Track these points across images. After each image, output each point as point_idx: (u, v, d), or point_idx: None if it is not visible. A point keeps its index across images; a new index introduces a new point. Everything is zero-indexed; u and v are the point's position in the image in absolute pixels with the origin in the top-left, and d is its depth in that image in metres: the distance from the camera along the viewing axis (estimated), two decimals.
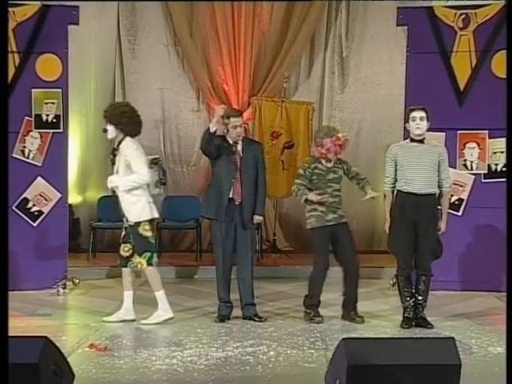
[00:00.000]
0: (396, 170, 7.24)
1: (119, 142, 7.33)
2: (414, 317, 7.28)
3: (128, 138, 7.31)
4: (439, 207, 7.23)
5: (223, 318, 7.44)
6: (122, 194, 7.30)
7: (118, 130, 7.32)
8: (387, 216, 7.34)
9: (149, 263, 7.35)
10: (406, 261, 7.27)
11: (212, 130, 7.28)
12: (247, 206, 7.42)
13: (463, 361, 4.80)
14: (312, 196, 7.38)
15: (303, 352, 6.38)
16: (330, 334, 6.95)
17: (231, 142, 7.42)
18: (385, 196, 7.41)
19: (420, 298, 7.26)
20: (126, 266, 7.39)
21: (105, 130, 7.39)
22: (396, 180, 7.26)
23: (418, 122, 7.12)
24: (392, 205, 7.31)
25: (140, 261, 7.34)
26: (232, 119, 7.39)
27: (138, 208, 7.28)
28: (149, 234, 7.31)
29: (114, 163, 7.36)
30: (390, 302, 8.39)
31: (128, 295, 7.44)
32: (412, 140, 7.20)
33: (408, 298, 7.28)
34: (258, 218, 7.53)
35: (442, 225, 7.21)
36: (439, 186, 7.20)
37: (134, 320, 7.41)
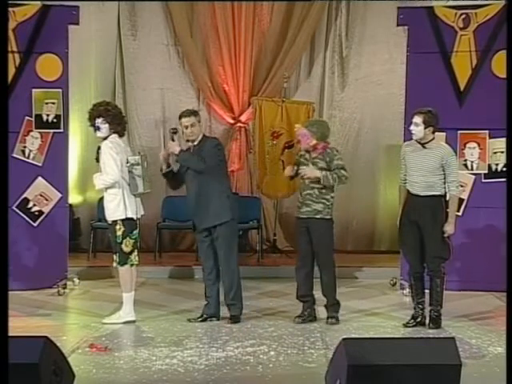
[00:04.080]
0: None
1: (102, 140, 7.37)
2: (429, 317, 7.25)
3: (111, 137, 7.33)
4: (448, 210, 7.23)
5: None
6: (103, 192, 7.41)
7: (111, 130, 7.34)
8: (399, 209, 7.38)
9: (120, 263, 7.37)
10: (414, 262, 7.29)
11: (164, 170, 7.42)
12: (195, 211, 7.38)
13: (463, 361, 4.80)
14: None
15: (303, 352, 6.38)
16: (330, 334, 6.95)
17: (188, 144, 7.42)
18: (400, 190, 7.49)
19: (432, 298, 7.24)
20: (126, 263, 7.38)
21: (98, 128, 7.34)
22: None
23: (412, 128, 7.18)
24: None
25: (115, 259, 7.41)
26: (182, 119, 7.37)
27: (111, 207, 7.32)
28: (118, 233, 7.32)
29: (98, 161, 7.39)
30: (389, 302, 8.41)
31: (127, 297, 7.42)
32: (418, 142, 7.22)
33: (418, 298, 7.29)
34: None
35: (448, 227, 7.16)
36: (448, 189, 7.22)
37: (134, 321, 7.41)
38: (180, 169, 7.44)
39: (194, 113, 7.43)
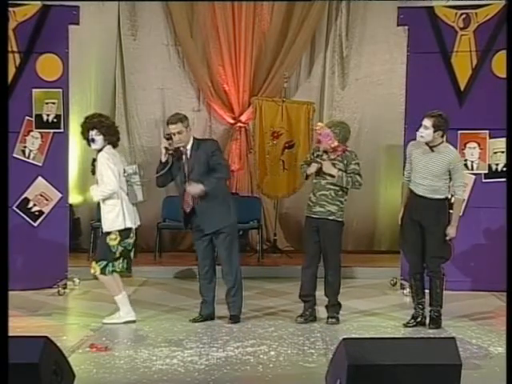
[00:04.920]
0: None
1: (98, 152, 7.35)
2: (430, 318, 7.26)
3: (106, 148, 7.31)
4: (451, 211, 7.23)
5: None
6: (100, 203, 7.39)
7: (105, 141, 7.31)
8: (401, 207, 7.37)
9: (102, 271, 7.31)
10: (414, 261, 7.30)
11: (163, 160, 7.33)
12: (199, 213, 7.34)
13: (463, 361, 4.80)
14: (311, 169, 7.30)
15: (304, 352, 6.38)
16: (331, 334, 6.96)
17: (177, 148, 7.37)
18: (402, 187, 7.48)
19: (432, 298, 7.24)
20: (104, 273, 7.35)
21: (93, 140, 7.30)
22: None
23: (421, 130, 7.10)
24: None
25: (94, 267, 7.34)
26: (170, 126, 7.36)
27: (110, 218, 7.30)
28: (113, 243, 7.28)
29: (94, 173, 7.39)
30: (390, 302, 8.41)
31: (120, 299, 7.42)
32: (426, 144, 7.18)
33: (418, 298, 7.29)
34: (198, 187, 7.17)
35: (451, 230, 7.15)
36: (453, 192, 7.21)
37: (134, 321, 7.41)
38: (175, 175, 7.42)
39: (182, 119, 7.37)
